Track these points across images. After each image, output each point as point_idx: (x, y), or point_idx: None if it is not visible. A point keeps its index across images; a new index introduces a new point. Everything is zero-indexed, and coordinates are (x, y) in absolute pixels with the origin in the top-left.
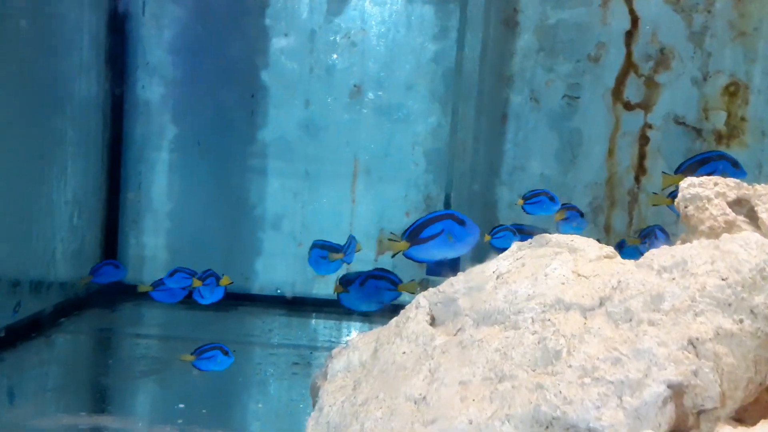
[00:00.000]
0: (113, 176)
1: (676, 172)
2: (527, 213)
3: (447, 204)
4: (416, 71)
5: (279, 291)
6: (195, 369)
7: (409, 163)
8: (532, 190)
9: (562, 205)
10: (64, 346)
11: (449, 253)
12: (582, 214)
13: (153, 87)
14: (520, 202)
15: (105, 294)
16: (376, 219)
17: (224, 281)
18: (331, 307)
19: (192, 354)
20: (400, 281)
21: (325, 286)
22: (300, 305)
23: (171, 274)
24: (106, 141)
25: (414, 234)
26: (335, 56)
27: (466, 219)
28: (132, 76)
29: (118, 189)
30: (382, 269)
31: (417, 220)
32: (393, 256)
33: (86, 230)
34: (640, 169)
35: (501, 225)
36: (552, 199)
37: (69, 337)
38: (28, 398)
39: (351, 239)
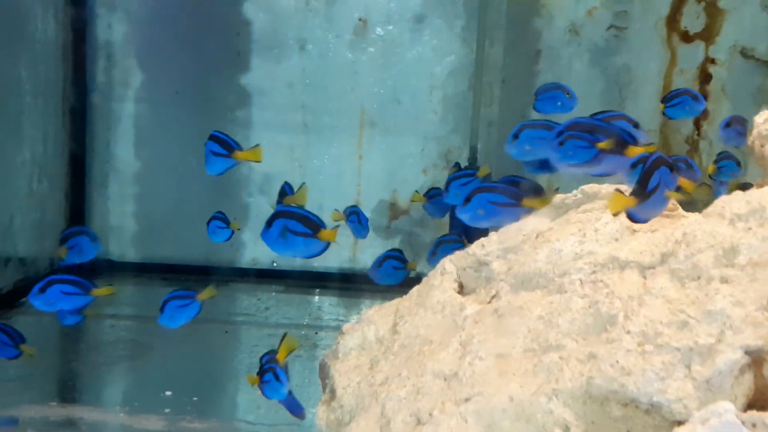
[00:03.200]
0: (76, 133)
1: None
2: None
3: (473, 159)
4: (432, 0)
5: (275, 264)
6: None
7: (426, 112)
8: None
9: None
10: (26, 329)
11: None
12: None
13: (118, 26)
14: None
15: (73, 268)
16: (387, 179)
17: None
18: (337, 282)
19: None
20: None
21: (329, 258)
22: (300, 280)
23: None
24: (67, 91)
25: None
26: None
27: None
28: (94, 13)
29: (83, 148)
30: None
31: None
32: None
33: (48, 196)
34: (702, 113)
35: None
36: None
37: (31, 319)
38: None
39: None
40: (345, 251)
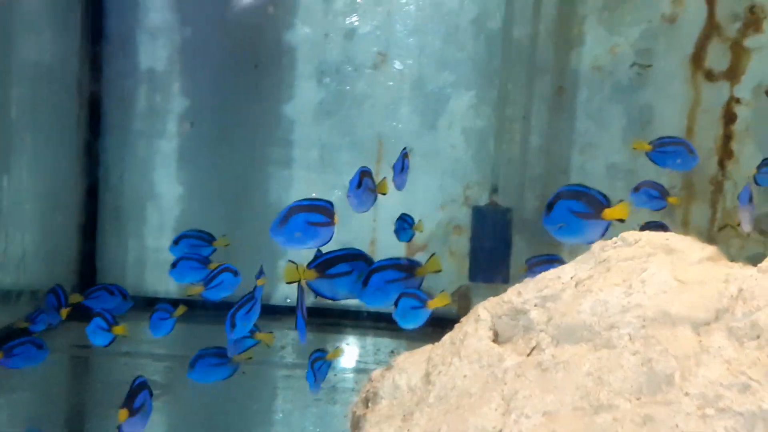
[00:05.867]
0: (90, 165)
1: None
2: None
3: (493, 194)
4: (453, 35)
5: (288, 300)
6: None
7: (445, 147)
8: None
9: None
10: (38, 367)
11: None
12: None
13: (134, 59)
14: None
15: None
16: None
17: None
18: (363, 321)
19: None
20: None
21: None
22: (318, 317)
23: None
24: (82, 123)
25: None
26: (355, 18)
27: None
28: (110, 46)
29: (96, 179)
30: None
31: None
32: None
33: (61, 229)
34: (725, 153)
35: None
36: None
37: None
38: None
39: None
40: None
